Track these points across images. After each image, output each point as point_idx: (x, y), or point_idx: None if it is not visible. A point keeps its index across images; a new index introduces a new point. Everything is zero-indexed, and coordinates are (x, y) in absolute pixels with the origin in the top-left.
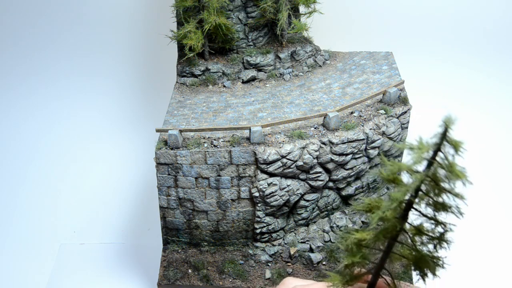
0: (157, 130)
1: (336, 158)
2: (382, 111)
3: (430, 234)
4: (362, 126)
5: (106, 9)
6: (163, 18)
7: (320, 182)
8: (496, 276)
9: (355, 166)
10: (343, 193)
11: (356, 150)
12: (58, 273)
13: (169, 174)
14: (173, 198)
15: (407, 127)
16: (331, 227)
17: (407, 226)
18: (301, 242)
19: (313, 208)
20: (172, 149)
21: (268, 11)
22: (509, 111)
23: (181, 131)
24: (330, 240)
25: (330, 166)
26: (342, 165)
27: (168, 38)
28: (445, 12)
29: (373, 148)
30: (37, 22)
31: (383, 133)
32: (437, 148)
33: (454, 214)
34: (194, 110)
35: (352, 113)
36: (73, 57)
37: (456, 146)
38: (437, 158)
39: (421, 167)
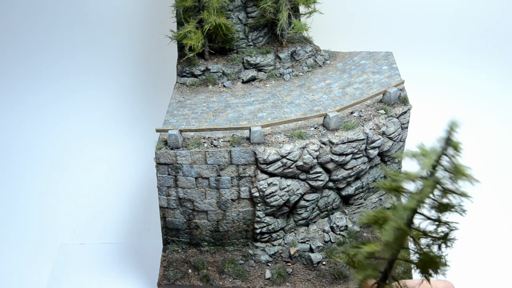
0: (157, 130)
1: (336, 158)
2: (382, 111)
3: (434, 235)
4: (362, 126)
5: (106, 9)
6: (163, 18)
7: (320, 182)
8: (498, 274)
9: (355, 166)
10: (343, 193)
11: (356, 150)
12: (58, 273)
13: (169, 174)
14: (173, 198)
15: (407, 127)
16: (331, 227)
17: (415, 231)
18: (301, 242)
19: (313, 208)
20: (172, 149)
21: (268, 11)
22: (509, 111)
23: (181, 131)
24: (330, 240)
25: (330, 166)
26: (342, 165)
27: (168, 38)
28: (445, 12)
29: (373, 148)
30: (37, 22)
31: (383, 133)
32: (442, 152)
33: (457, 212)
34: (194, 110)
35: (352, 113)
36: (73, 57)
37: (455, 147)
38: (442, 162)
39: (425, 172)
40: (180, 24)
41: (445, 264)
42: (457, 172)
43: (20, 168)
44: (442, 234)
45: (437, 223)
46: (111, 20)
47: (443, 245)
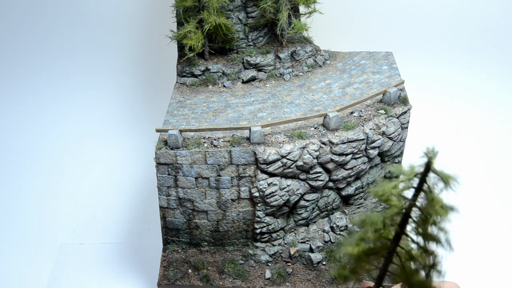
0: (157, 130)
1: (336, 158)
2: (382, 111)
3: (421, 261)
4: (362, 126)
5: (106, 9)
6: (163, 18)
7: (320, 182)
8: (498, 276)
9: (355, 166)
10: (343, 193)
11: (356, 150)
12: (58, 273)
13: (169, 174)
14: (173, 198)
15: (407, 127)
16: (331, 227)
17: (401, 250)
18: (301, 242)
19: (313, 208)
20: (172, 149)
21: (268, 11)
22: (509, 111)
23: (181, 131)
24: (330, 240)
25: (330, 166)
26: (342, 165)
27: (168, 38)
28: (445, 12)
29: (373, 148)
30: (37, 22)
31: (383, 133)
32: (422, 179)
33: (443, 247)
34: (194, 110)
35: (352, 113)
36: (73, 57)
37: (446, 180)
38: (425, 189)
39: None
40: (180, 24)
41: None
42: (432, 205)
43: (20, 168)
44: (431, 263)
45: (423, 251)
46: (111, 20)
47: (429, 274)
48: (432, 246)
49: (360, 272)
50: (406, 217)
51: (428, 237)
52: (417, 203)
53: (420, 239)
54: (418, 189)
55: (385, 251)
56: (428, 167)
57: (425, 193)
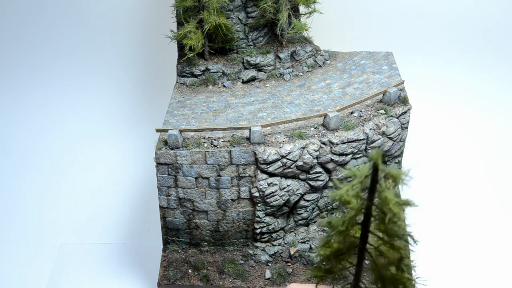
0: (157, 130)
1: (336, 158)
2: (382, 111)
3: (389, 256)
4: (362, 126)
5: (106, 9)
6: (163, 18)
7: (320, 182)
8: (496, 275)
9: (355, 166)
10: None
11: (356, 150)
12: (58, 273)
13: (169, 174)
14: (173, 198)
15: (407, 127)
16: None
17: (371, 247)
18: (301, 242)
19: (313, 208)
20: (172, 149)
21: (268, 11)
22: (509, 111)
23: (181, 131)
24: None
25: (330, 166)
26: (342, 165)
27: (168, 38)
28: (445, 12)
29: (373, 148)
30: (37, 22)
31: (383, 133)
32: (373, 180)
33: (407, 242)
34: (194, 110)
35: (352, 113)
36: (73, 57)
37: (396, 178)
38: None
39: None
40: (180, 24)
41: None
42: (384, 203)
43: (20, 168)
44: (397, 257)
45: (389, 246)
46: (111, 20)
47: (399, 269)
48: (398, 241)
49: (336, 271)
50: (367, 216)
51: (390, 233)
52: (375, 202)
53: (385, 236)
54: (371, 190)
55: (354, 250)
56: (375, 167)
57: (379, 193)
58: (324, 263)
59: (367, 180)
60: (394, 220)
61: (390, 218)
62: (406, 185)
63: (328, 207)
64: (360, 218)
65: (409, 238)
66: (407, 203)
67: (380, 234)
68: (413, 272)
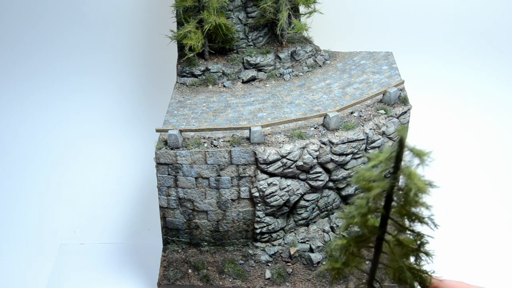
0: (157, 130)
1: (336, 158)
2: (382, 111)
3: (411, 245)
4: (362, 126)
5: (106, 9)
6: (163, 18)
7: (320, 182)
8: (496, 274)
9: (355, 166)
10: (343, 193)
11: (356, 150)
12: (58, 273)
13: (169, 174)
14: (173, 198)
15: (407, 127)
16: (331, 227)
17: (389, 236)
18: (301, 242)
19: (313, 208)
20: (172, 149)
21: (268, 11)
22: (509, 111)
23: (181, 131)
24: (330, 240)
25: (330, 166)
26: (342, 165)
27: (168, 38)
28: (445, 12)
29: (373, 148)
30: (37, 22)
31: (383, 133)
32: (398, 156)
33: (428, 226)
34: (194, 110)
35: (352, 113)
36: (73, 57)
37: (420, 156)
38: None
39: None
40: (180, 24)
41: (426, 281)
42: (410, 181)
43: (20, 168)
44: (417, 245)
45: (410, 233)
46: (111, 20)
47: (418, 258)
48: (417, 227)
49: (352, 264)
50: (389, 198)
51: (411, 216)
52: (398, 182)
53: (404, 221)
54: (396, 167)
55: (374, 236)
56: (401, 143)
57: (403, 170)
58: (341, 253)
59: (391, 159)
60: (417, 199)
61: (415, 194)
62: (428, 166)
63: (328, 207)
64: (381, 202)
65: (429, 221)
66: (430, 183)
67: (400, 220)
68: (430, 260)
